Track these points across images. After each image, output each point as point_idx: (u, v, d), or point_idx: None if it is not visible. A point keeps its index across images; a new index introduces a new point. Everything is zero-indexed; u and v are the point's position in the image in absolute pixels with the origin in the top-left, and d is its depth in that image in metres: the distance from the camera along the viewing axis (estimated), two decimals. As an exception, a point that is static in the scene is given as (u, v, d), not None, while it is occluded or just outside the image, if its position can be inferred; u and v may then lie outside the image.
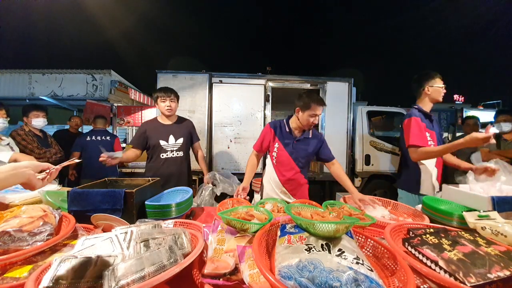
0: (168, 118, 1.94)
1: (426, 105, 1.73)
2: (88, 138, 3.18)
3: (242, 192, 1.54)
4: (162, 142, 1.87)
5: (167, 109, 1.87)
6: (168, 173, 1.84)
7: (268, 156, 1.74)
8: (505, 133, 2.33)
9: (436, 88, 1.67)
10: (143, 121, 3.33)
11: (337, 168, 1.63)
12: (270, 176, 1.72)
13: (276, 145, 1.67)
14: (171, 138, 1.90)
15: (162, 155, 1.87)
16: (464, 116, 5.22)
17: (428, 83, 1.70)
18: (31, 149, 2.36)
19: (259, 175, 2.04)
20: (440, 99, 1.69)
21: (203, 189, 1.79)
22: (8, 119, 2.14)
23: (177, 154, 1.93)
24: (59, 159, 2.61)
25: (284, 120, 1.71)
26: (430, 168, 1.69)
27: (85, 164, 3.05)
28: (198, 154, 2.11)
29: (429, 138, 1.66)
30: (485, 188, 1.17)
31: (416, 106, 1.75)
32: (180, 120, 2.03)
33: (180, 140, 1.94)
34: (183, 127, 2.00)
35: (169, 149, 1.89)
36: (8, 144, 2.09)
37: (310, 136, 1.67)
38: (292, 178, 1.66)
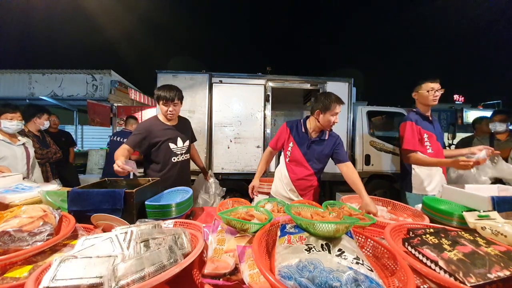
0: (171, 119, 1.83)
1: (421, 108, 1.84)
2: (113, 138, 3.30)
3: (256, 190, 1.72)
4: (172, 145, 1.73)
5: (169, 115, 1.71)
6: (179, 179, 1.72)
7: (283, 154, 1.76)
8: (499, 133, 2.37)
9: (421, 93, 1.78)
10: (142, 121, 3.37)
11: (350, 171, 1.51)
12: (282, 173, 1.74)
13: (291, 144, 1.68)
14: (179, 141, 1.78)
15: (174, 159, 1.75)
16: (464, 115, 5.21)
17: (415, 88, 1.82)
18: (34, 150, 2.36)
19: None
20: (429, 102, 1.76)
21: (209, 183, 2.02)
22: (23, 122, 2.13)
23: (186, 156, 1.85)
24: (58, 158, 2.61)
25: (301, 121, 1.71)
26: (434, 168, 1.78)
27: (106, 162, 3.14)
28: (195, 153, 2.06)
29: (426, 140, 1.75)
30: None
31: (414, 109, 1.86)
32: (182, 120, 1.91)
33: (187, 143, 1.85)
34: (187, 128, 1.91)
35: (179, 152, 1.78)
36: (23, 144, 2.08)
37: (327, 137, 1.64)
38: (303, 178, 1.66)
